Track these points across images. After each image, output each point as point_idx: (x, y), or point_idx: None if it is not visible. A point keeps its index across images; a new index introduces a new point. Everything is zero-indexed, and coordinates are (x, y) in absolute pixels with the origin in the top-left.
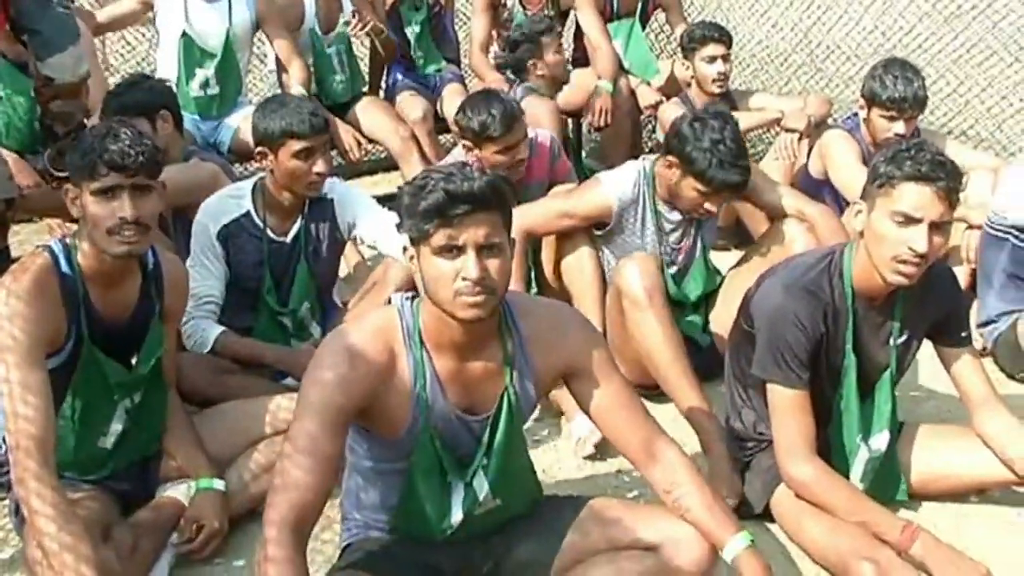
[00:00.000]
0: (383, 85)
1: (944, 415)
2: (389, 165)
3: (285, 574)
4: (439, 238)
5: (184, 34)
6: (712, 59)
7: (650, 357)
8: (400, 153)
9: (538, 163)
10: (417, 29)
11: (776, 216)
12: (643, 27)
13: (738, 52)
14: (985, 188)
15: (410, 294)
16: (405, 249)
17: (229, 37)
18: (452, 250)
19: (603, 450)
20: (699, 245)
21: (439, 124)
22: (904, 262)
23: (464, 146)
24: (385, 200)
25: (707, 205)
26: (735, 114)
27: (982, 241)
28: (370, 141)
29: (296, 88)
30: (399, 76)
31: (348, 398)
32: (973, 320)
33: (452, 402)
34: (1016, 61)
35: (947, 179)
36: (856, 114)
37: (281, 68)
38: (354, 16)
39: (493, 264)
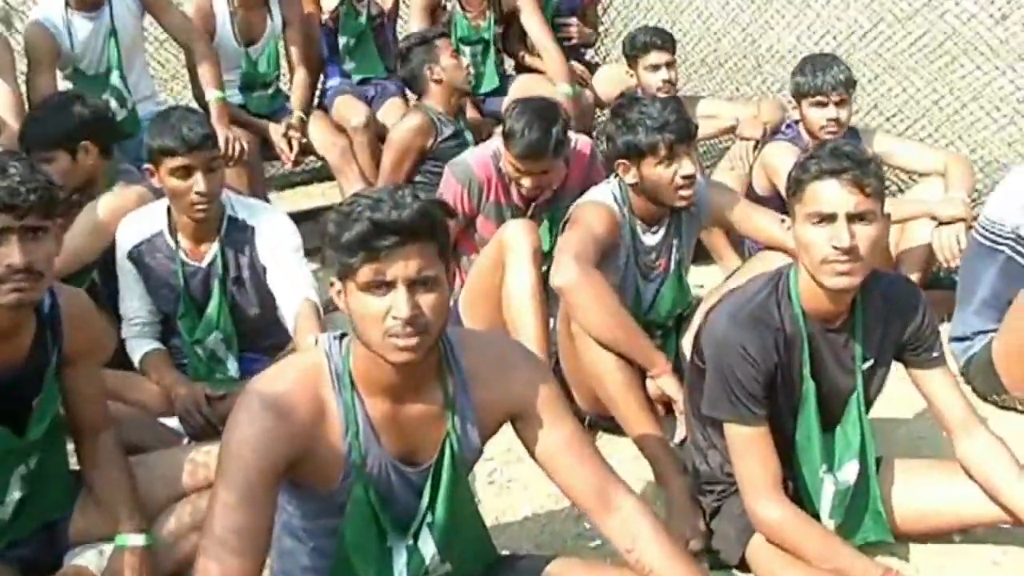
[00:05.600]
0: (317, 91)
1: (918, 442)
2: (325, 176)
3: None
4: (365, 273)
5: (75, 69)
6: (655, 67)
7: (598, 377)
8: (338, 167)
9: (575, 170)
10: (353, 40)
11: (769, 245)
12: None
13: (686, 56)
14: (939, 191)
15: (338, 332)
16: (332, 284)
17: (117, 46)
18: (380, 286)
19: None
20: (673, 262)
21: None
22: (833, 262)
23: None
24: (320, 213)
25: (679, 185)
26: None
27: (969, 249)
28: (304, 152)
29: (212, 93)
30: (336, 81)
31: (274, 457)
32: (945, 335)
33: (388, 450)
34: (977, 68)
35: (852, 167)
36: (792, 124)
37: (191, 72)
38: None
39: (427, 300)
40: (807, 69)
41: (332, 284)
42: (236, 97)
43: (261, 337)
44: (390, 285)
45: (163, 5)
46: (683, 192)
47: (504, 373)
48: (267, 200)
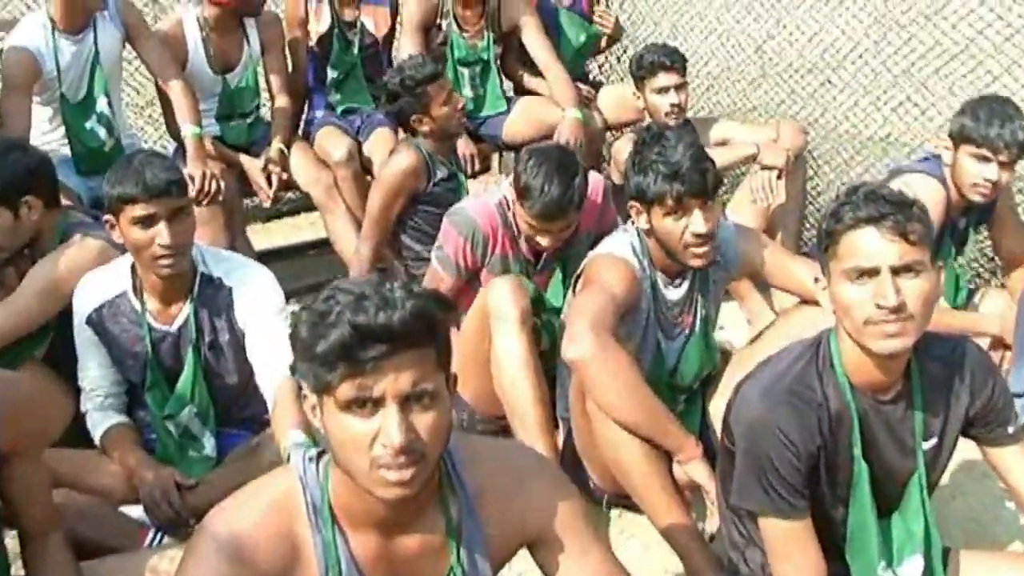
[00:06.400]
0: (301, 122)
1: (979, 515)
2: (310, 205)
3: None
4: (346, 390)
5: (61, 96)
6: (664, 90)
7: (618, 462)
8: (323, 203)
9: (587, 213)
10: (341, 74)
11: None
12: None
13: (696, 72)
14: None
15: (314, 451)
16: (305, 397)
17: (97, 73)
18: (365, 404)
19: None
20: (699, 319)
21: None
22: (879, 323)
23: (511, 183)
24: (307, 248)
25: (688, 243)
26: None
27: None
28: (285, 188)
29: (188, 128)
30: (319, 113)
31: None
32: None
33: None
34: (1006, 73)
35: (892, 212)
36: (934, 157)
37: (165, 103)
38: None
39: (423, 421)
40: (981, 114)
41: (305, 397)
42: (213, 127)
43: (239, 408)
44: (378, 403)
45: (146, 33)
46: (695, 251)
47: (518, 489)
48: (246, 239)
